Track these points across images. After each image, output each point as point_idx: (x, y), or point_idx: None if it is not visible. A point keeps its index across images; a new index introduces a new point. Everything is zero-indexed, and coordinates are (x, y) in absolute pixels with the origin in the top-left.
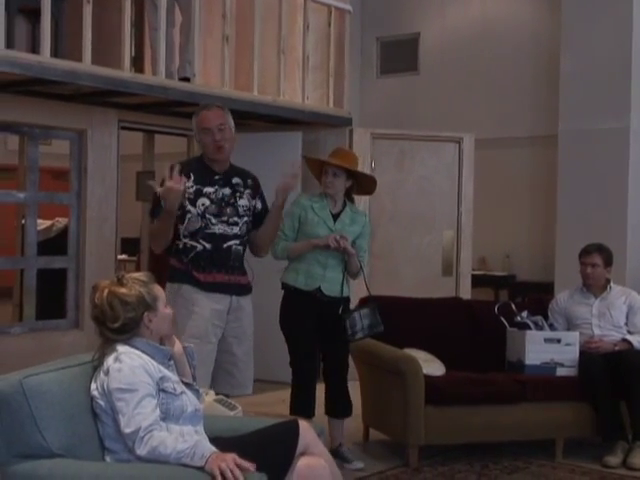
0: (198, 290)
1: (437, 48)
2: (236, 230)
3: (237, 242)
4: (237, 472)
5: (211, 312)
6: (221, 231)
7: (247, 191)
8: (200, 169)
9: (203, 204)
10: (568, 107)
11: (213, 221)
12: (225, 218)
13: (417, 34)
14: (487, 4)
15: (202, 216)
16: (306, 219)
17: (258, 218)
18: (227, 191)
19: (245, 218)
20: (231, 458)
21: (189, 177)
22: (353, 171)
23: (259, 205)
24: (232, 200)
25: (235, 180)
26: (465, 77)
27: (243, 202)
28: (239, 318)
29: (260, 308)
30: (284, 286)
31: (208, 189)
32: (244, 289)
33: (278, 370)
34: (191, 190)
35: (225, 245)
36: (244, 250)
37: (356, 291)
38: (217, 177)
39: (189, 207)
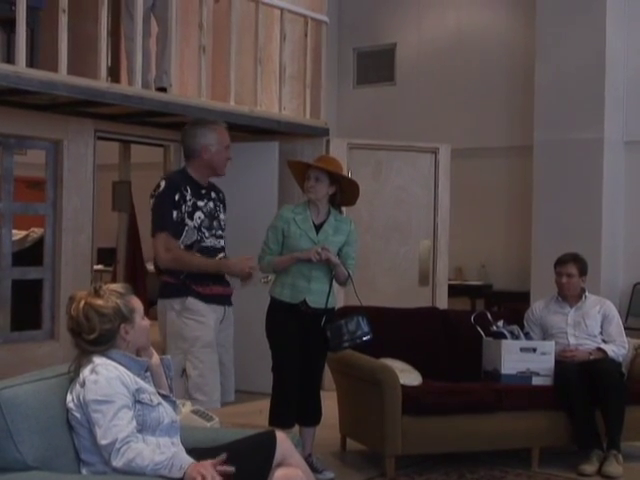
0: (201, 302)
1: (413, 59)
2: (222, 243)
3: (223, 255)
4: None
5: (214, 321)
6: (212, 244)
7: (221, 205)
8: (191, 183)
9: (199, 217)
10: (543, 117)
11: (206, 234)
12: (214, 231)
13: (393, 45)
14: (463, 15)
15: (198, 229)
16: (289, 232)
17: None
18: (212, 205)
19: (225, 231)
20: (209, 464)
21: (187, 190)
22: (336, 176)
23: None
24: (216, 214)
25: (213, 194)
26: (441, 87)
27: (222, 216)
28: (226, 327)
29: (240, 319)
30: (271, 299)
31: (200, 203)
32: (230, 299)
33: (256, 380)
34: (189, 203)
35: (216, 258)
36: None
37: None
38: (203, 191)
39: (187, 220)
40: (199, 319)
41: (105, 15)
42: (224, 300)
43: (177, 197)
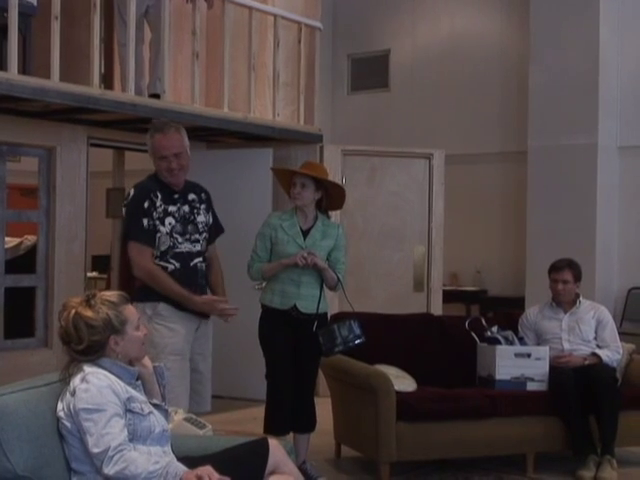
0: (174, 308)
1: (407, 65)
2: (198, 247)
3: (200, 259)
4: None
5: (187, 329)
6: (187, 249)
7: (202, 206)
8: (161, 188)
9: (170, 223)
10: (537, 123)
11: (179, 240)
12: (188, 236)
13: (387, 51)
14: (456, 21)
15: (170, 235)
16: (276, 239)
17: (210, 233)
18: (186, 208)
19: (204, 234)
20: (207, 468)
21: (157, 197)
22: (322, 181)
23: (210, 220)
24: (191, 217)
25: (191, 196)
26: (435, 93)
27: (201, 218)
28: (203, 335)
29: (234, 325)
30: (262, 306)
31: (171, 208)
32: (207, 314)
33: (250, 387)
34: (160, 210)
35: (192, 263)
36: (207, 267)
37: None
38: (176, 196)
39: (159, 226)
40: (170, 326)
41: (98, 22)
42: (199, 312)
43: (147, 204)
